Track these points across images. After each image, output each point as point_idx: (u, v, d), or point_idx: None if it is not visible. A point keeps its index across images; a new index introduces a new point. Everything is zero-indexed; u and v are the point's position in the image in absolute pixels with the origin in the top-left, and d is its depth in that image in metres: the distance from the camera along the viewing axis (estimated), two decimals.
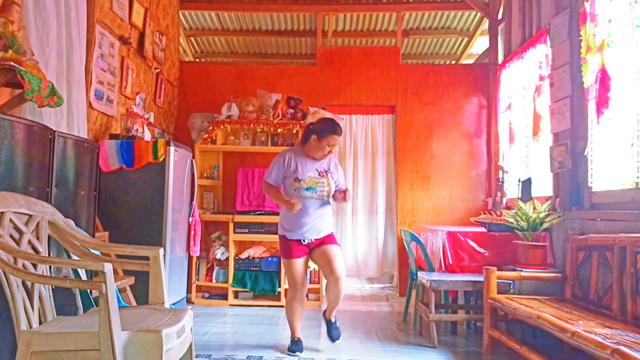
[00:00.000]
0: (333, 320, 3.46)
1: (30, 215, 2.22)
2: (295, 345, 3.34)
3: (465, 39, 7.02)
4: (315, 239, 3.32)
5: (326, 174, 3.30)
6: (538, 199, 3.91)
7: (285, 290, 4.90)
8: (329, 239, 3.37)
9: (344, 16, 6.38)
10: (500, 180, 5.28)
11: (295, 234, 3.32)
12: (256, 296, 5.02)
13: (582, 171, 3.62)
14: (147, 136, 4.27)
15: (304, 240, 3.31)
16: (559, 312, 2.85)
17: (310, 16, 6.36)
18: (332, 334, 3.44)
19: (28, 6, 2.86)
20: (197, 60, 7.62)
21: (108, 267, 1.81)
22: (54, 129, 2.58)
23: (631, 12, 3.01)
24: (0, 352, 2.06)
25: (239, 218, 4.98)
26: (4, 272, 1.88)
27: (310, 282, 4.87)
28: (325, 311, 3.49)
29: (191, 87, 5.87)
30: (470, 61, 7.43)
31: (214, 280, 5.00)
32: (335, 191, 3.37)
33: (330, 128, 3.24)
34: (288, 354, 3.29)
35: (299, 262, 3.32)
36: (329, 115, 5.04)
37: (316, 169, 3.30)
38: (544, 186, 4.22)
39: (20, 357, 1.84)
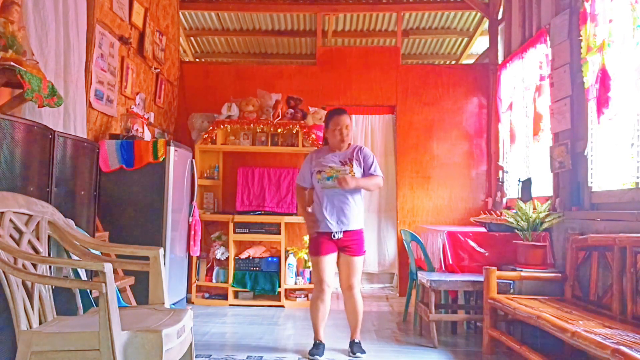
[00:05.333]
0: (357, 340, 3.37)
1: (30, 215, 2.21)
2: (316, 349, 3.28)
3: (465, 39, 7.02)
4: (343, 232, 3.26)
5: (350, 162, 3.29)
6: (538, 199, 3.91)
7: (285, 290, 4.91)
8: (357, 246, 3.30)
9: (344, 16, 6.38)
10: (500, 180, 5.28)
11: (323, 224, 3.28)
12: (256, 296, 5.02)
13: (582, 171, 3.62)
14: (147, 136, 4.27)
15: (333, 236, 3.26)
16: (559, 312, 2.85)
17: (310, 16, 6.35)
18: (353, 349, 3.32)
19: (28, 6, 2.86)
20: (197, 60, 7.62)
21: (108, 267, 1.81)
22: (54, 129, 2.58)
23: (632, 12, 3.01)
24: (0, 352, 2.06)
25: (239, 218, 4.98)
26: (4, 272, 1.88)
27: None
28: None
29: (191, 87, 5.87)
30: (470, 61, 7.43)
31: (214, 280, 5.00)
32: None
33: (333, 112, 3.41)
34: (308, 358, 3.23)
35: (326, 260, 3.26)
36: None
37: (339, 160, 3.32)
38: (544, 186, 4.22)
39: (20, 357, 1.84)
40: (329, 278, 3.27)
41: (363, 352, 3.30)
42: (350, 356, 3.31)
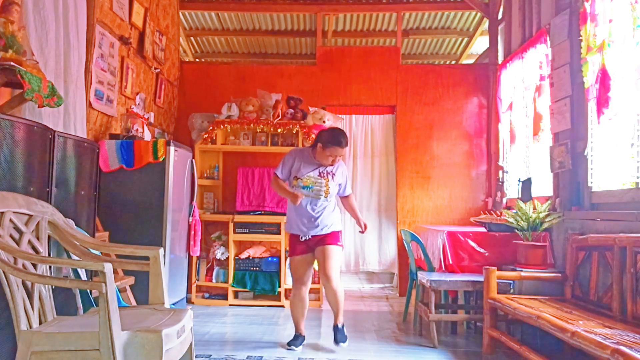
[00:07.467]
0: (340, 326, 3.48)
1: (30, 215, 2.21)
2: (294, 340, 3.44)
3: (465, 39, 7.02)
4: (313, 236, 3.40)
5: (327, 176, 3.41)
6: (538, 199, 3.91)
7: (286, 290, 4.91)
8: (330, 238, 3.42)
9: (344, 16, 6.38)
10: (500, 180, 5.28)
11: (295, 228, 3.46)
12: (256, 296, 5.02)
13: (582, 171, 3.62)
14: (147, 136, 4.27)
15: (302, 237, 3.41)
16: (559, 312, 2.85)
17: (310, 16, 6.36)
18: (336, 337, 3.45)
19: (28, 6, 2.86)
20: (197, 60, 7.62)
21: (108, 267, 1.81)
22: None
23: (632, 12, 3.01)
24: (0, 352, 2.06)
25: (239, 218, 4.98)
26: (4, 272, 1.88)
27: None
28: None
29: (191, 87, 5.87)
30: (470, 61, 7.43)
31: (214, 280, 5.00)
32: (343, 198, 3.62)
33: (334, 140, 3.33)
34: (286, 348, 3.39)
35: (298, 260, 3.44)
36: (328, 115, 5.04)
37: (319, 171, 3.40)
38: (544, 186, 4.22)
39: (20, 357, 1.84)
40: (304, 277, 3.46)
41: (345, 339, 3.42)
42: (335, 345, 3.42)
